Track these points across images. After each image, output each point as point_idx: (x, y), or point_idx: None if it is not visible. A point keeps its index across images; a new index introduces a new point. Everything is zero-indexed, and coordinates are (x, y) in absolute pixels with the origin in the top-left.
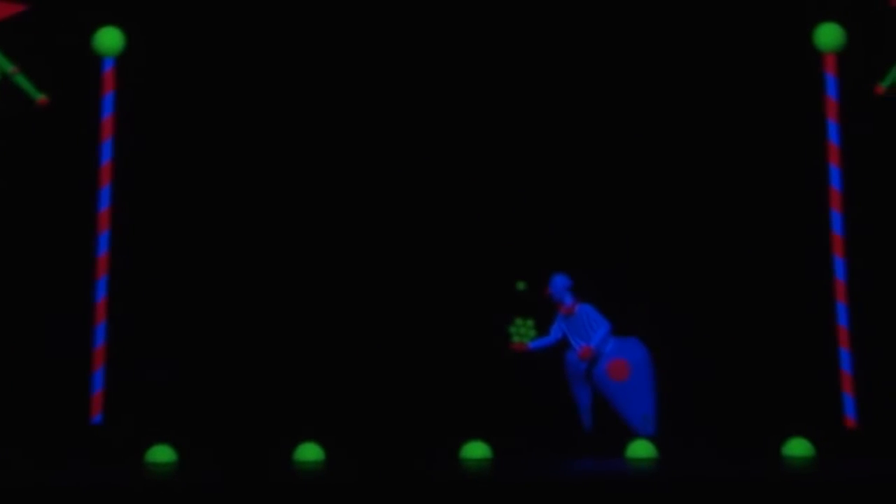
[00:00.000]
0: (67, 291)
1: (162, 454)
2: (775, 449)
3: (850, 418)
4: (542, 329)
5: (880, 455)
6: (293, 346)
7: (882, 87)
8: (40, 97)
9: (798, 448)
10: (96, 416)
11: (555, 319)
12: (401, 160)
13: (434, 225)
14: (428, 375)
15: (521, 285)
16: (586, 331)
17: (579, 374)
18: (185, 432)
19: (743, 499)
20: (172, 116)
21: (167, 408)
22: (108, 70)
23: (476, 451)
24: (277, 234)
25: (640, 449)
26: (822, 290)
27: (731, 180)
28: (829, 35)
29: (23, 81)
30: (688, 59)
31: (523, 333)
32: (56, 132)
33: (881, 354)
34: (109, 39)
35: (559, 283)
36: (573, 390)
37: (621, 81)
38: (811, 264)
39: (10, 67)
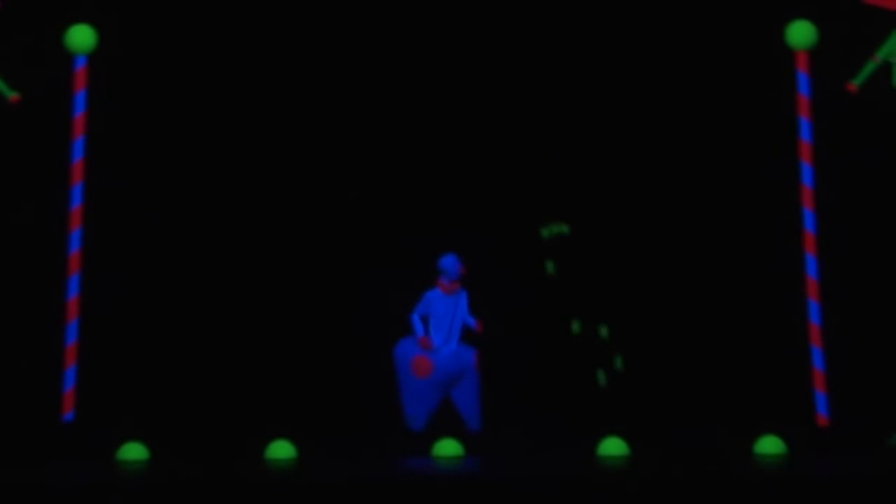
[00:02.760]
0: (39, 289)
1: (134, 452)
2: (747, 446)
3: (823, 416)
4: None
5: (852, 452)
6: (265, 345)
7: (854, 84)
8: (12, 95)
9: (770, 446)
10: (68, 413)
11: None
12: (360, 160)
13: (400, 228)
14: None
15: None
16: (453, 315)
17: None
18: (157, 430)
19: (715, 496)
20: (144, 114)
21: (139, 405)
22: (81, 68)
23: (446, 448)
24: (249, 233)
25: (612, 447)
26: (794, 287)
27: (703, 177)
28: (801, 33)
29: None
30: (660, 57)
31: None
32: (28, 130)
33: (853, 352)
34: (81, 37)
35: (454, 261)
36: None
37: (591, 78)
38: (783, 262)
39: None
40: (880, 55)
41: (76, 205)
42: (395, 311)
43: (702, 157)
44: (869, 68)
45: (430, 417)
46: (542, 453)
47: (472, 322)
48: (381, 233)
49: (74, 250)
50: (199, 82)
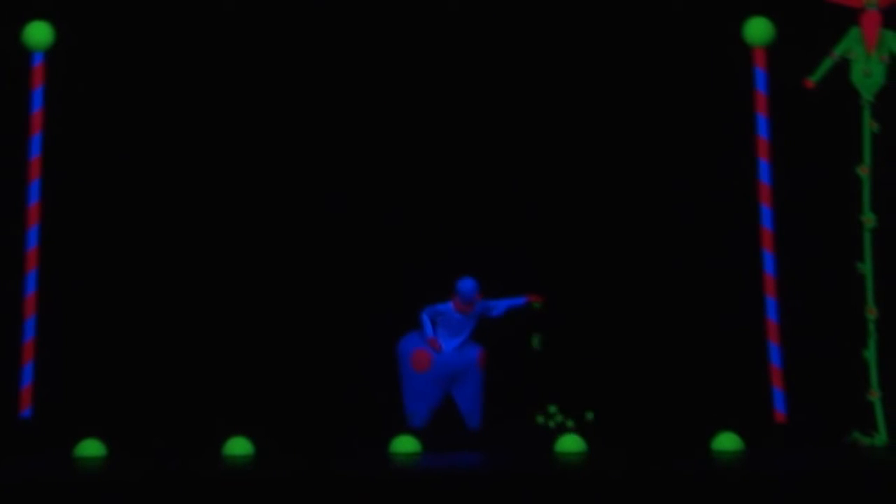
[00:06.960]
0: None
1: (91, 448)
2: (704, 443)
3: (780, 413)
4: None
5: (809, 449)
6: (222, 341)
7: (811, 81)
8: None
9: (727, 442)
10: (25, 410)
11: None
12: (325, 158)
13: (365, 225)
14: (358, 371)
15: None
16: (464, 332)
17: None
18: (115, 427)
19: (672, 493)
20: (102, 110)
21: (97, 402)
22: (38, 64)
23: (405, 445)
24: (207, 229)
25: (569, 443)
26: (751, 284)
27: (660, 174)
28: (758, 29)
29: None
30: (617, 54)
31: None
32: None
33: (810, 349)
34: (39, 34)
35: (472, 286)
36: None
37: (551, 75)
38: (741, 258)
39: None
40: (838, 51)
41: (34, 201)
42: (350, 307)
43: (659, 154)
44: (826, 65)
45: (432, 414)
46: (498, 450)
47: (523, 300)
48: (350, 231)
49: (32, 247)
50: (157, 79)
